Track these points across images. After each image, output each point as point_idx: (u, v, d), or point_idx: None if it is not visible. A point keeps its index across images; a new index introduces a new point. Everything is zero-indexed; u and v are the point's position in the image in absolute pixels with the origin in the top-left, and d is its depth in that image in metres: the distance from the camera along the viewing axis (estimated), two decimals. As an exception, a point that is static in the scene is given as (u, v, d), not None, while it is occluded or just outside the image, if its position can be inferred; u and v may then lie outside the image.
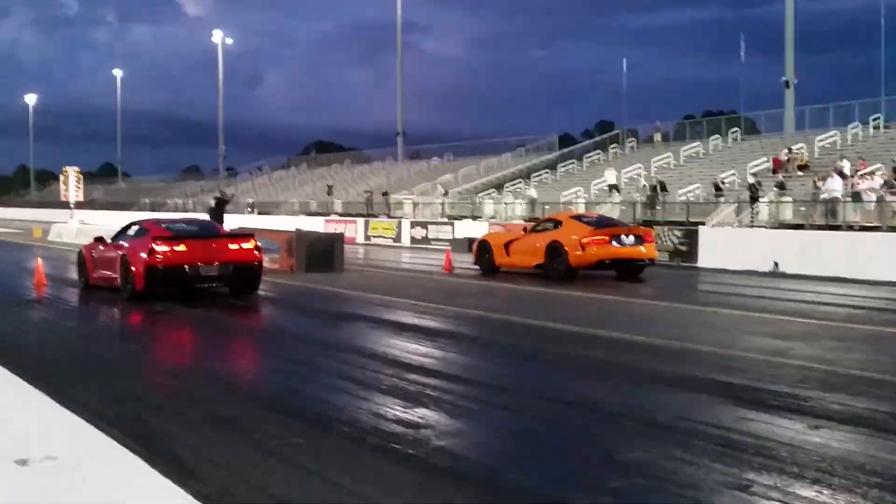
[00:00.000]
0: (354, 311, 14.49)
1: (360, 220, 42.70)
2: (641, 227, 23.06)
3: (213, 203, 27.82)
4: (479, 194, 47.58)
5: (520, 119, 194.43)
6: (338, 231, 33.45)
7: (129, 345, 11.56)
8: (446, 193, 47.42)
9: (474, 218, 40.13)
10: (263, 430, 6.60)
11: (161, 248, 15.19)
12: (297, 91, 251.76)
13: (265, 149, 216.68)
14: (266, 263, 21.29)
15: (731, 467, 5.76)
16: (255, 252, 16.03)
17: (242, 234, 16.87)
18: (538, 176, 49.10)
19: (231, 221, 28.85)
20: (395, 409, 7.29)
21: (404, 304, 15.01)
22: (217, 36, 78.95)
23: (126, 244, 15.97)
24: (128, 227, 17.00)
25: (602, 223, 21.09)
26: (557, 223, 21.28)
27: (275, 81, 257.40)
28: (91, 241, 17.96)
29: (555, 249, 20.09)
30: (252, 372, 9.60)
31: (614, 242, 19.94)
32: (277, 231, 24.50)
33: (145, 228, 16.20)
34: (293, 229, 24.12)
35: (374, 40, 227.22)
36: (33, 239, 39.13)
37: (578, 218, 21.77)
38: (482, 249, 22.25)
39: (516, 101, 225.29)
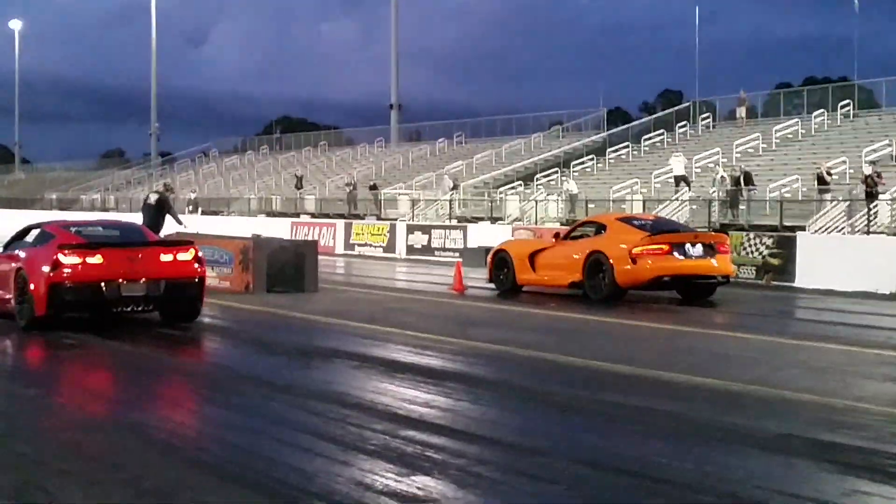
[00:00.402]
0: (331, 345, 14.54)
1: (340, 223, 42.84)
2: (713, 234, 23.26)
3: (152, 200, 27.83)
4: (501, 189, 47.72)
5: (557, 89, 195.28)
6: (310, 238, 33.60)
7: (28, 390, 11.60)
8: (455, 188, 47.56)
9: (493, 220, 40.24)
10: (208, 505, 6.63)
11: (69, 259, 15.25)
12: (257, 51, 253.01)
13: (213, 127, 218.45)
14: (212, 281, 21.40)
15: (838, 557, 5.76)
16: (196, 265, 16.13)
17: (178, 243, 17.02)
18: (580, 164, 49.25)
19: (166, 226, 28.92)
20: (387, 478, 7.30)
21: (399, 336, 15.04)
22: (149, -24, 79.44)
23: (23, 255, 16.04)
24: (26, 231, 17.09)
25: (660, 228, 21.34)
26: (601, 227, 21.59)
27: (226, 38, 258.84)
28: None
29: (596, 263, 20.32)
30: (191, 427, 9.62)
31: (676, 253, 20.13)
32: (228, 238, 24.58)
33: (49, 234, 16.28)
34: (250, 235, 24.19)
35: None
36: None
37: (628, 221, 21.99)
38: (500, 263, 22.58)
39: (552, 66, 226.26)
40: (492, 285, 22.63)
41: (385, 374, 11.86)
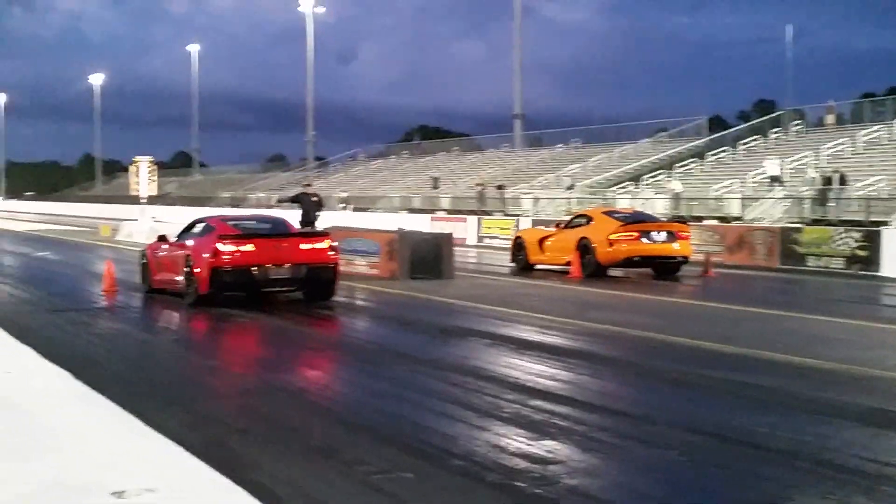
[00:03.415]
0: (467, 325, 14.57)
1: (472, 219, 42.85)
2: (675, 223, 24.68)
3: (313, 198, 28.17)
4: (613, 188, 47.29)
5: (661, 99, 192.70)
6: (446, 231, 33.72)
7: (209, 361, 11.87)
8: (572, 187, 47.26)
9: (606, 216, 39.84)
10: (366, 462, 6.71)
11: (227, 247, 15.85)
12: (398, 67, 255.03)
13: (360, 135, 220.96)
14: (363, 268, 21.65)
15: (928, 520, 5.59)
16: (330, 253, 16.54)
17: (316, 233, 17.74)
18: (683, 166, 48.51)
19: (319, 219, 29.23)
20: (519, 441, 7.31)
21: (526, 318, 15.01)
22: (306, 4, 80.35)
23: (190, 243, 16.65)
24: (193, 224, 17.71)
25: (633, 219, 23.24)
26: (589, 219, 23.69)
27: (371, 56, 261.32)
28: (154, 240, 18.76)
29: (584, 246, 22.40)
30: (349, 395, 9.73)
31: (644, 239, 22.14)
32: (376, 231, 24.79)
33: (211, 226, 16.90)
34: (394, 229, 24.36)
35: (487, 6, 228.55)
36: (101, 238, 40.56)
37: (610, 213, 24.21)
38: (518, 247, 24.84)
39: (657, 78, 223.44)
40: (512, 264, 24.63)
41: (514, 351, 11.86)
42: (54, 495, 5.34)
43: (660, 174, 47.95)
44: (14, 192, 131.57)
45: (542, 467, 6.62)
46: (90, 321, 15.01)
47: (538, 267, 23.91)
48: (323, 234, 17.23)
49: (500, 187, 51.00)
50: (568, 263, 22.70)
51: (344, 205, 56.20)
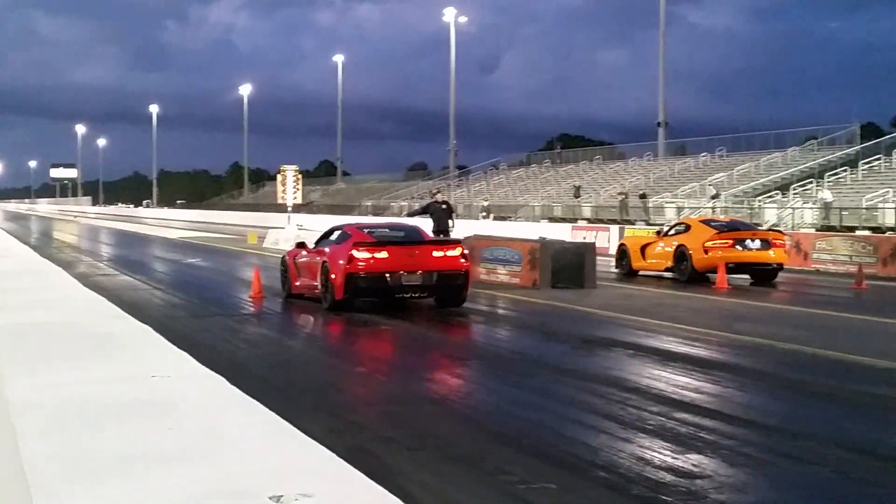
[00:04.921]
0: (609, 335, 14.46)
1: (614, 228, 42.47)
2: (770, 231, 26.01)
3: (443, 206, 28.42)
4: (759, 197, 46.39)
5: (811, 105, 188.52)
6: (587, 240, 33.53)
7: (353, 367, 12.07)
8: (717, 196, 46.50)
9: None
10: (509, 472, 6.73)
11: (362, 254, 16.34)
12: (539, 76, 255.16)
13: (501, 143, 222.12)
14: (504, 277, 21.71)
15: None
16: (462, 260, 16.82)
17: (448, 241, 18.24)
18: (834, 175, 47.24)
19: (460, 228, 29.35)
20: (664, 454, 7.23)
21: (669, 329, 14.82)
22: (449, 14, 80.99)
23: (327, 250, 17.15)
24: (330, 231, 18.27)
25: (729, 227, 24.18)
26: (687, 227, 24.95)
27: (513, 65, 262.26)
28: (293, 246, 19.37)
29: (681, 253, 23.57)
30: (491, 403, 9.74)
31: (738, 246, 22.95)
32: (518, 239, 24.80)
33: (347, 234, 17.45)
34: (536, 238, 24.33)
35: (630, 14, 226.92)
36: (248, 246, 41.62)
37: (707, 222, 25.39)
38: (622, 253, 26.18)
39: (807, 84, 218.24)
40: (616, 270, 25.80)
41: (658, 363, 11.71)
42: (214, 499, 5.50)
43: (809, 183, 46.81)
44: (166, 201, 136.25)
45: (689, 481, 6.54)
46: (238, 326, 15.45)
47: (641, 273, 25.16)
48: (455, 242, 17.61)
49: (642, 196, 50.53)
50: (667, 269, 24.06)
51: (485, 213, 56.41)
